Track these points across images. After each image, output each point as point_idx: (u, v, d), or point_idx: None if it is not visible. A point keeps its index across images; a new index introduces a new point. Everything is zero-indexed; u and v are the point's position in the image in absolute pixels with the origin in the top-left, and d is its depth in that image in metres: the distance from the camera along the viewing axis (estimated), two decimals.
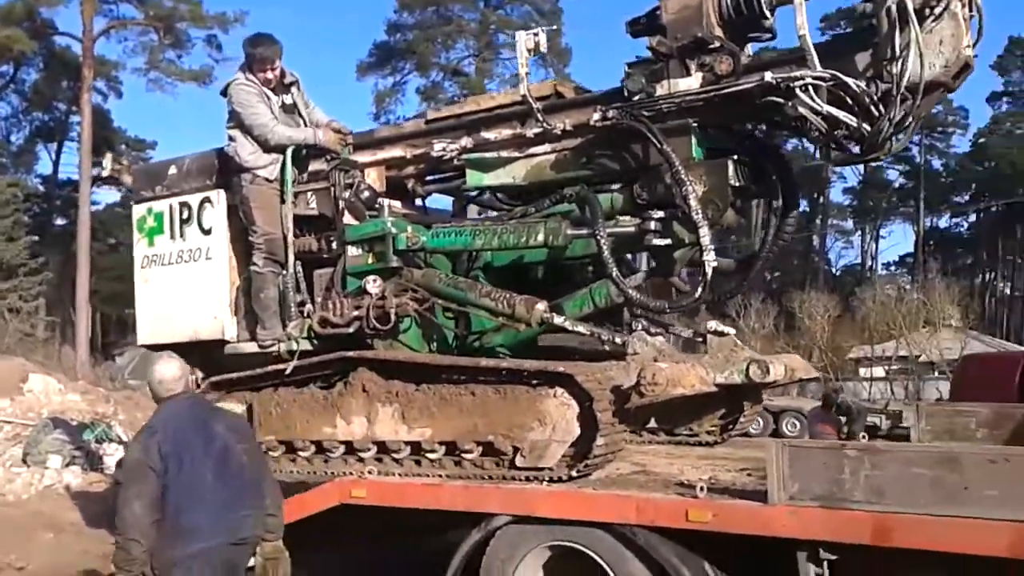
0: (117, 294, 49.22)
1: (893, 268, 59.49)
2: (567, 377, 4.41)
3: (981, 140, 52.78)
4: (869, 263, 58.13)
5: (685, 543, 3.99)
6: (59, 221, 48.93)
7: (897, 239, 67.80)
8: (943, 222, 60.17)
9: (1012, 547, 3.22)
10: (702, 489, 3.94)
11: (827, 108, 4.31)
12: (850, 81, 4.27)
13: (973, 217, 58.61)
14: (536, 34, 4.98)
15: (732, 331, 5.52)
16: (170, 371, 4.07)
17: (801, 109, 4.37)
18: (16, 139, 48.90)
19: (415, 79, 49.13)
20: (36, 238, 36.05)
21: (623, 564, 4.07)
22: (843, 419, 16.94)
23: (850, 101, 4.32)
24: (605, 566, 4.11)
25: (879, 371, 33.56)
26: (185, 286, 5.78)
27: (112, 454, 13.48)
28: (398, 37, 47.56)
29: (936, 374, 32.57)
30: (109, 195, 51.97)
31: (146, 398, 21.83)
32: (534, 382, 4.56)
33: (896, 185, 56.03)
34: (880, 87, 4.30)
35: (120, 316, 51.57)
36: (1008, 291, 56.90)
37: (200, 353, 5.86)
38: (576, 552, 4.23)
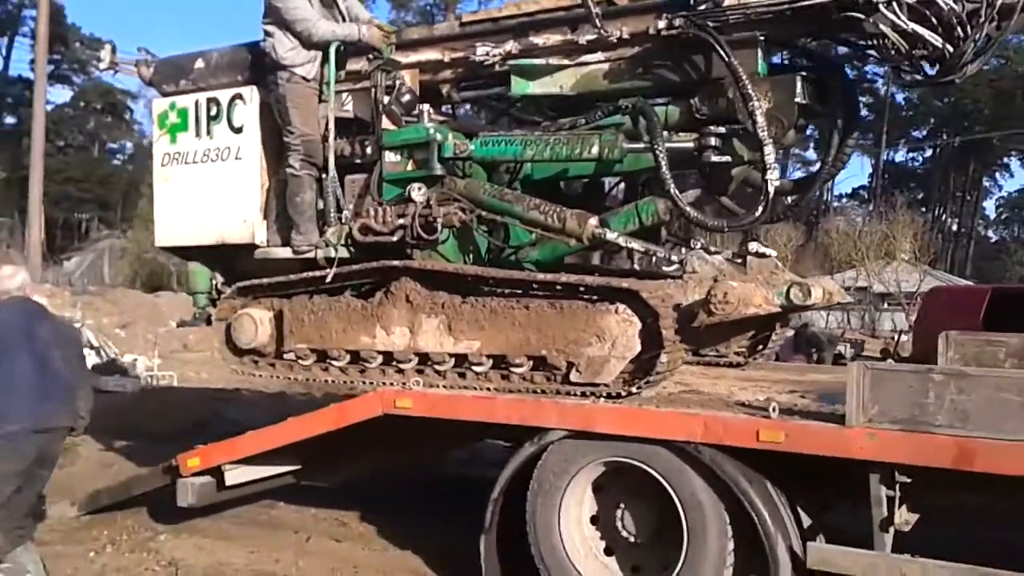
0: (66, 197, 48.10)
1: (845, 200, 60.27)
2: (632, 293, 4.30)
3: None
4: (825, 195, 58.76)
5: (749, 462, 3.97)
6: (8, 119, 47.36)
7: (852, 171, 68.72)
8: (900, 156, 60.95)
9: None
10: (774, 409, 3.89)
11: (913, 26, 4.17)
12: None
13: (929, 152, 59.47)
14: None
15: (773, 253, 5.48)
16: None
17: (882, 26, 4.23)
18: None
19: None
20: None
21: (684, 481, 4.04)
22: (813, 349, 17.33)
23: (934, 20, 4.19)
24: (665, 482, 4.08)
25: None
26: (211, 186, 5.49)
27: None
28: None
29: (887, 305, 33.32)
30: (61, 94, 50.48)
31: (108, 303, 21.42)
32: (593, 297, 4.46)
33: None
34: (966, 6, 4.16)
35: (67, 219, 50.43)
36: (955, 227, 58.15)
37: (224, 257, 5.66)
38: (629, 468, 4.20)
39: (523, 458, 4.41)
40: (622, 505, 4.33)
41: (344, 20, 5.43)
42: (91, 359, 13.51)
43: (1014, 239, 55.37)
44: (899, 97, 53.77)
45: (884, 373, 3.69)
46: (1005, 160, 59.05)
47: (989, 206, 62.87)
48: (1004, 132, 48.85)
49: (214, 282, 5.79)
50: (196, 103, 5.55)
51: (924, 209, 52.02)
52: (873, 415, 3.65)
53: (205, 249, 5.65)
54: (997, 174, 60.46)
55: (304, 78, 5.24)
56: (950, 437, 3.48)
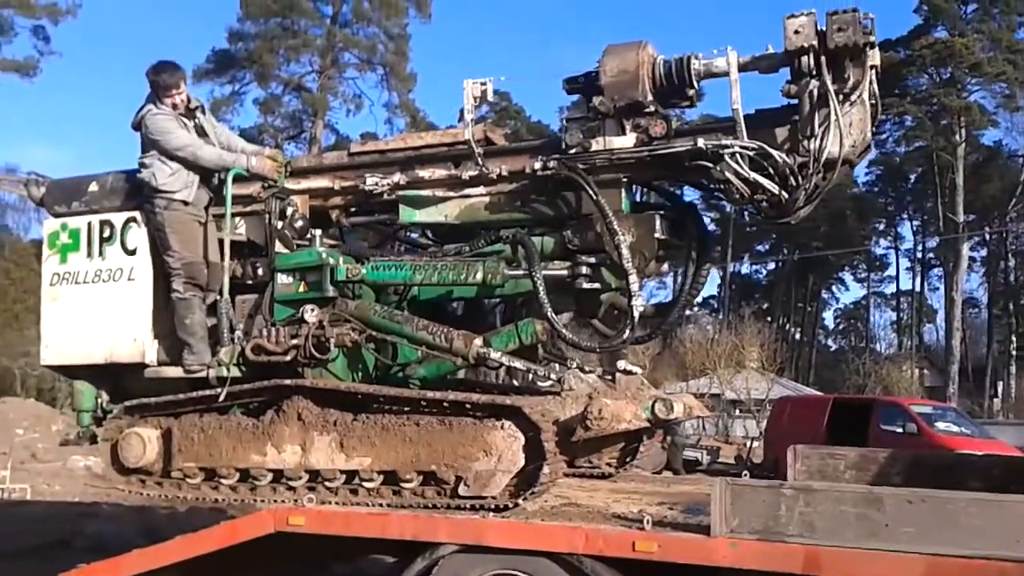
0: None
1: (697, 309, 63.05)
2: (515, 410, 4.67)
3: None
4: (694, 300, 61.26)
5: (625, 571, 4.29)
6: None
7: None
8: (745, 268, 64.62)
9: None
10: (648, 522, 4.27)
11: (753, 175, 4.81)
12: (775, 153, 4.77)
13: (772, 265, 63.38)
14: (483, 83, 5.24)
15: (639, 370, 5.95)
16: None
17: (727, 174, 4.85)
18: None
19: (254, 90, 48.47)
20: None
21: None
22: (667, 439, 17.98)
23: (771, 170, 4.83)
24: None
25: None
26: (102, 306, 5.58)
27: None
28: (239, 46, 46.71)
29: (738, 412, 34.88)
30: None
31: None
32: (479, 414, 4.78)
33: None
34: (796, 160, 4.84)
35: None
36: (798, 336, 61.65)
37: (113, 376, 5.70)
38: None
39: (414, 573, 4.59)
40: None
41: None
42: None
43: (851, 348, 59.02)
44: (744, 214, 57.41)
45: (743, 488, 4.14)
46: (840, 275, 63.63)
47: (828, 316, 67.26)
48: (838, 251, 52.86)
49: (99, 400, 5.80)
50: (89, 225, 5.68)
51: (769, 319, 55.07)
52: (734, 526, 4.06)
53: (93, 368, 5.69)
54: (834, 287, 65.03)
55: (184, 202, 5.49)
56: (800, 545, 3.93)
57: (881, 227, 60.91)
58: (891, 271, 62.88)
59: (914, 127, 49.39)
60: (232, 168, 5.55)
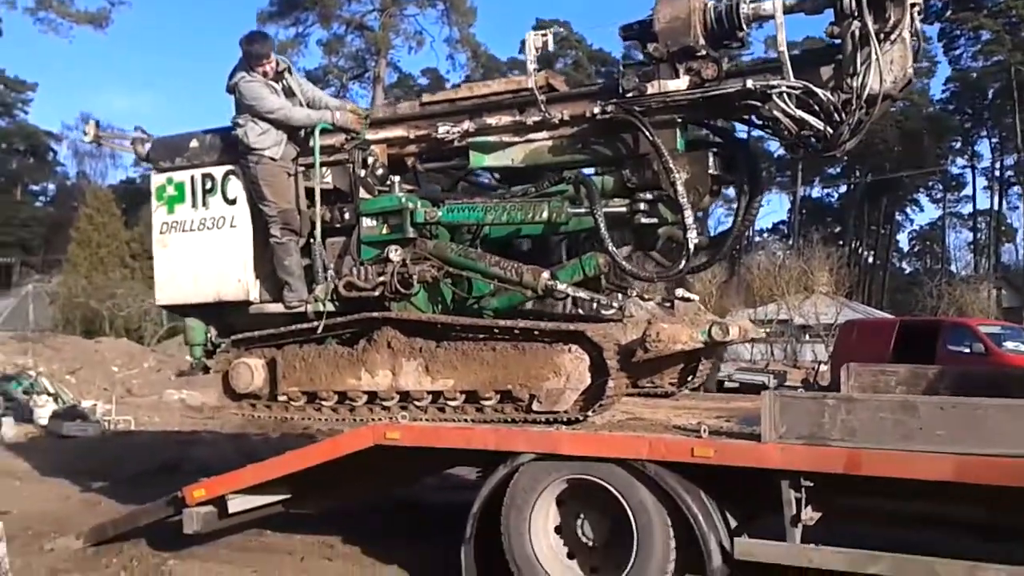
0: None
1: (766, 235, 62.45)
2: (580, 334, 5.19)
3: None
4: (747, 231, 60.70)
5: (686, 475, 4.82)
6: None
7: (773, 207, 71.36)
8: (816, 192, 63.53)
9: (956, 473, 4.15)
10: (705, 431, 4.77)
11: (799, 113, 5.16)
12: (819, 91, 5.11)
13: (843, 188, 62.18)
14: (544, 34, 5.65)
15: (696, 297, 6.39)
16: None
17: (775, 112, 5.20)
18: None
19: (318, 31, 49.00)
20: None
21: (633, 492, 4.87)
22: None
23: (816, 107, 5.17)
24: (618, 494, 4.90)
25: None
26: (208, 251, 6.21)
27: (43, 406, 13.70)
28: None
29: (807, 337, 34.80)
30: None
31: (50, 349, 21.60)
32: (548, 339, 5.31)
33: (776, 155, 58.60)
34: (840, 96, 5.16)
35: None
36: (871, 260, 60.67)
37: (220, 313, 6.37)
38: (587, 484, 5.01)
39: (498, 478, 5.19)
40: (581, 515, 5.14)
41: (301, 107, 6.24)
42: (50, 405, 13.95)
43: (926, 271, 57.90)
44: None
45: (790, 400, 4.61)
46: (915, 196, 62.12)
47: (903, 239, 65.88)
48: (912, 172, 51.64)
49: (209, 335, 6.48)
50: (192, 178, 6.28)
51: (841, 242, 54.26)
52: (782, 433, 4.53)
53: (203, 306, 6.36)
54: (908, 209, 63.54)
55: (272, 159, 6.02)
56: (842, 448, 4.38)
57: (957, 145, 59.17)
58: (968, 190, 61.06)
59: (991, 41, 47.67)
60: (319, 124, 6.07)
